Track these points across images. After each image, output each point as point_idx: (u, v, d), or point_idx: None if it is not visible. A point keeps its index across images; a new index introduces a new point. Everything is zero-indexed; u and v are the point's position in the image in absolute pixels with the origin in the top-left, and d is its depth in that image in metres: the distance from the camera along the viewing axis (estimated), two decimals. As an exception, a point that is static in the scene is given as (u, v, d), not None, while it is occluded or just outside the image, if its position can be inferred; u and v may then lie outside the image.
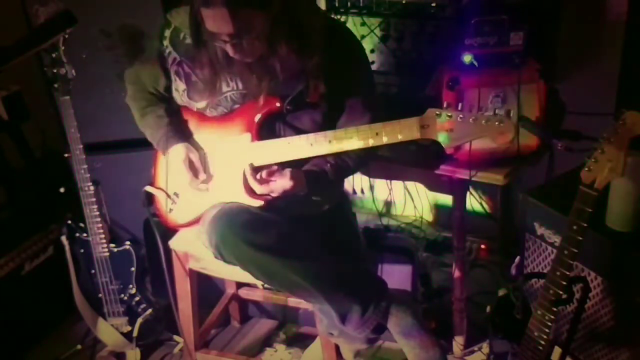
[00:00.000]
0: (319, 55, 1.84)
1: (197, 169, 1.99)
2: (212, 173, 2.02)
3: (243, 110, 1.95)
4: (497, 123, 1.66)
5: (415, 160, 2.19)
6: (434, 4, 2.23)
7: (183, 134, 2.03)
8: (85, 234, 2.38)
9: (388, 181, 2.93)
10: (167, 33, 1.97)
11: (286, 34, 1.76)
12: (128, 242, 2.39)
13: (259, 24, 1.71)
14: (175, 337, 2.59)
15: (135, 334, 2.44)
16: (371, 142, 1.79)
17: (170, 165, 2.03)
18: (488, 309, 1.92)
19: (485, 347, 2.41)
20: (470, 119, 1.68)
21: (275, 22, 1.72)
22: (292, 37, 1.78)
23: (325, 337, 2.13)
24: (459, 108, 1.70)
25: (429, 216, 3.03)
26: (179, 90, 2.01)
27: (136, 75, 2.10)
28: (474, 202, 2.80)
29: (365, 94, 1.97)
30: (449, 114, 1.70)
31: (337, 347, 2.17)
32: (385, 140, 1.78)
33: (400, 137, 1.77)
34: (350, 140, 1.81)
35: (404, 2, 2.27)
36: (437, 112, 1.71)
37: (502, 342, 2.00)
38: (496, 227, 2.85)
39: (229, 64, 1.86)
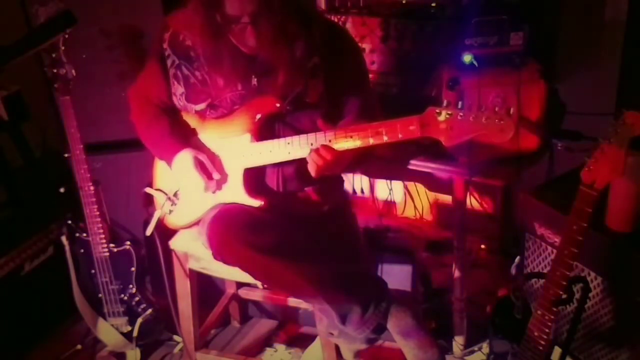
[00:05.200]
0: (318, 55, 1.87)
1: (210, 170, 1.95)
2: (227, 172, 1.98)
3: (243, 111, 1.95)
4: (497, 121, 1.66)
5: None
6: (434, 4, 2.23)
7: (186, 140, 2.00)
8: (85, 234, 2.37)
9: (388, 181, 2.92)
10: (167, 36, 1.97)
11: (294, 21, 1.78)
12: (128, 242, 2.38)
13: (276, 2, 1.74)
14: (175, 337, 2.59)
15: (135, 334, 2.44)
16: (371, 141, 1.79)
17: (175, 171, 1.99)
18: (488, 309, 1.92)
19: (485, 347, 2.41)
20: (470, 117, 1.68)
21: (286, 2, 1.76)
22: (297, 31, 1.80)
23: (325, 337, 2.13)
24: (459, 106, 1.70)
25: (429, 216, 3.03)
26: (176, 94, 2.01)
27: (141, 89, 2.08)
28: (474, 202, 2.80)
29: (364, 94, 1.98)
30: (449, 112, 1.70)
31: (337, 347, 2.17)
32: (385, 139, 1.78)
33: (400, 136, 1.76)
34: (350, 139, 1.81)
35: (404, 2, 2.27)
36: (437, 111, 1.71)
37: (502, 342, 2.00)
38: (496, 227, 2.85)
39: (238, 59, 1.87)
